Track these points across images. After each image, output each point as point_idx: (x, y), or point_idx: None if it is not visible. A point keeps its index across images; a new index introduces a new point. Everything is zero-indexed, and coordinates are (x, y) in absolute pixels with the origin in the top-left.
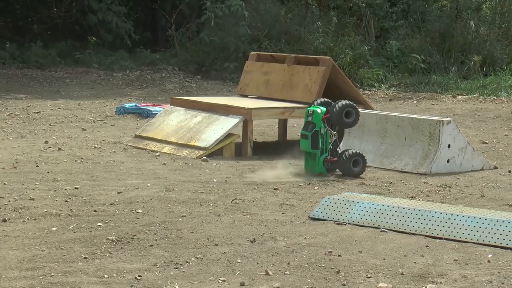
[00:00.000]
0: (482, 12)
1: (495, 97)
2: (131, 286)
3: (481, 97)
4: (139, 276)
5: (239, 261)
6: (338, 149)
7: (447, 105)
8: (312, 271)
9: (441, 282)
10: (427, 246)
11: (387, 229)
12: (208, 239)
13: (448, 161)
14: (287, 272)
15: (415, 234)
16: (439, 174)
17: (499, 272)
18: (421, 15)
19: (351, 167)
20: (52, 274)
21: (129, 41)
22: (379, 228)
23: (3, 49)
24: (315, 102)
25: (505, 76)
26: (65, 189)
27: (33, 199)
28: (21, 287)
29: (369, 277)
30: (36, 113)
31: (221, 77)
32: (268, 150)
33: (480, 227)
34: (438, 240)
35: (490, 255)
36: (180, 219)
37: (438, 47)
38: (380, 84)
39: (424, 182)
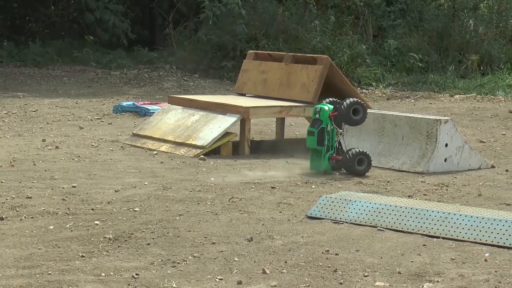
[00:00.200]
0: (480, 11)
1: (492, 96)
2: (128, 284)
3: (478, 96)
4: (136, 274)
5: (236, 259)
6: (344, 148)
7: (444, 104)
8: (309, 270)
9: (438, 281)
10: (424, 245)
11: (384, 228)
12: (205, 237)
13: (445, 160)
14: (284, 270)
15: (412, 233)
16: (436, 173)
17: (496, 271)
18: (419, 14)
19: (356, 166)
20: (49, 272)
21: (125, 40)
22: (376, 227)
23: (1, 47)
24: (323, 101)
25: (502, 75)
26: (63, 188)
27: (30, 198)
28: (18, 285)
29: (366, 276)
30: (34, 111)
31: (219, 76)
32: (265, 149)
33: (477, 226)
34: (435, 239)
35: (487, 254)
36: (177, 218)
37: (436, 46)
38: (377, 83)
39: (422, 181)
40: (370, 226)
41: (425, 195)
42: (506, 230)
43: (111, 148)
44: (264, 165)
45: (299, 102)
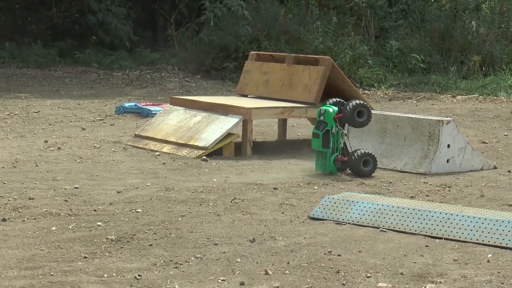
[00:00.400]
0: (482, 12)
1: (494, 97)
2: (131, 285)
3: (480, 97)
4: (138, 275)
5: (239, 260)
6: (349, 149)
7: (446, 105)
8: (311, 271)
9: (440, 282)
10: (426, 246)
11: (387, 229)
12: (207, 238)
13: (447, 161)
14: (286, 271)
15: (414, 234)
16: (438, 174)
17: (498, 272)
18: (421, 15)
19: (362, 167)
20: (52, 273)
21: (128, 42)
22: (378, 228)
23: (3, 49)
24: (328, 102)
25: (504, 76)
26: (65, 189)
27: (32, 199)
28: (21, 286)
29: (368, 277)
30: (36, 112)
31: (221, 77)
32: (267, 150)
33: (479, 227)
34: (437, 240)
35: (489, 255)
36: (179, 219)
37: (438, 47)
38: (379, 84)
39: (424, 182)
40: (373, 227)
41: (427, 196)
42: (509, 231)
43: (113, 149)
44: (266, 166)
45: (301, 103)
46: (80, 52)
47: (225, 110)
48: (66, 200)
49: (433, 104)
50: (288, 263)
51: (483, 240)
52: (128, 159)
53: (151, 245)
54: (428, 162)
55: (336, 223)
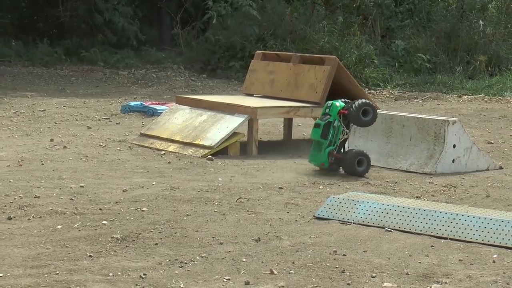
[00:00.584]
0: (488, 12)
1: (500, 97)
2: (136, 284)
3: (486, 97)
4: (144, 274)
5: (244, 260)
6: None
7: (452, 105)
8: (317, 271)
9: (446, 282)
10: (432, 246)
11: (392, 229)
12: (213, 238)
13: (453, 161)
14: (292, 271)
15: (420, 234)
16: (444, 174)
17: (504, 273)
18: (427, 15)
19: (356, 166)
20: (57, 272)
21: (135, 41)
22: (384, 228)
23: (9, 47)
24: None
25: (510, 76)
26: (70, 187)
27: (38, 197)
28: (26, 285)
29: (374, 277)
30: (42, 111)
31: (227, 76)
32: (273, 149)
33: (485, 227)
34: (443, 240)
35: (495, 256)
36: (185, 218)
37: (444, 47)
38: (385, 84)
39: (429, 182)
40: (378, 227)
41: (433, 196)
42: None
43: (119, 148)
44: (272, 165)
45: (306, 103)
46: (86, 51)
47: (231, 109)
48: (72, 199)
49: (439, 104)
50: (293, 262)
51: (488, 241)
52: (133, 158)
53: (156, 244)
54: (434, 162)
55: (341, 223)
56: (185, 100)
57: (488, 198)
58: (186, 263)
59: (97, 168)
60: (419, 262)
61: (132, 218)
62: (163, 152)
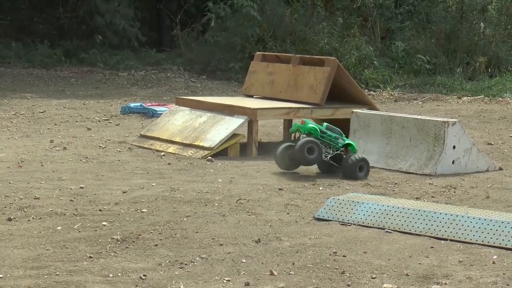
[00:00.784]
0: (488, 13)
1: (500, 99)
2: (136, 285)
3: (486, 98)
4: (144, 275)
5: (244, 261)
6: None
7: (452, 106)
8: (317, 272)
9: (445, 283)
10: (432, 247)
11: (392, 230)
12: (213, 239)
13: (453, 162)
14: (291, 272)
15: (420, 235)
16: (444, 175)
17: (504, 274)
18: (426, 16)
19: (357, 172)
20: (57, 273)
21: (136, 43)
22: (384, 229)
23: (9, 49)
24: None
25: (510, 78)
26: (70, 189)
27: (38, 198)
28: (26, 286)
29: (373, 278)
30: (42, 112)
31: (226, 77)
32: (273, 151)
33: (485, 228)
34: (443, 241)
35: (495, 257)
36: (185, 219)
37: (443, 48)
38: (385, 85)
39: (429, 183)
40: (378, 228)
41: (432, 197)
42: None
43: (118, 149)
44: (272, 166)
45: (306, 104)
46: (86, 52)
47: (231, 110)
48: (72, 200)
49: (438, 105)
50: (293, 263)
51: (488, 242)
52: (133, 159)
53: (156, 245)
54: (434, 163)
55: (341, 224)
56: (185, 102)
57: (488, 199)
58: (186, 264)
59: (97, 169)
60: (419, 263)
61: (132, 219)
62: (163, 153)
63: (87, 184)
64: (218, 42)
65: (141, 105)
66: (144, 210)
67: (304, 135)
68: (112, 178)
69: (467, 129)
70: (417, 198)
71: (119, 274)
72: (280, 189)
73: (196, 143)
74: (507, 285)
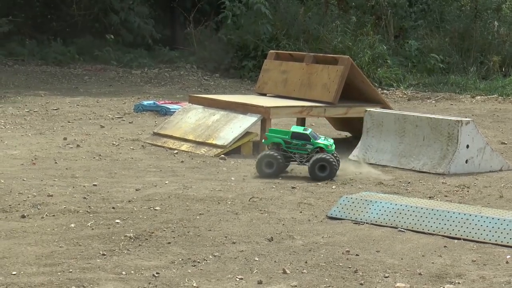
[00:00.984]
0: (502, 12)
1: None
2: (149, 283)
3: (500, 97)
4: (156, 273)
5: (257, 259)
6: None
7: (465, 105)
8: (329, 270)
9: (459, 283)
10: (445, 246)
11: (405, 229)
12: (225, 237)
13: (466, 161)
14: (304, 271)
15: (433, 234)
16: (457, 174)
17: None
18: (440, 15)
19: (316, 172)
20: (70, 270)
21: (150, 40)
22: (397, 228)
23: (23, 46)
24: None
25: None
26: (84, 186)
27: (51, 196)
28: (40, 283)
29: (386, 277)
30: (55, 109)
31: (239, 76)
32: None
33: (498, 228)
34: (456, 241)
35: (508, 256)
36: (197, 217)
37: (457, 47)
38: (398, 84)
39: (442, 182)
40: (391, 227)
41: (446, 196)
42: None
43: (132, 147)
44: None
45: (320, 103)
46: (99, 50)
47: (244, 108)
48: (85, 198)
49: (452, 104)
50: (306, 262)
51: (502, 241)
52: (146, 157)
53: (169, 243)
54: (447, 162)
55: (354, 223)
56: (198, 100)
57: (502, 199)
58: (199, 262)
59: (110, 167)
60: (432, 263)
61: (145, 217)
62: (176, 151)
63: (100, 181)
64: (232, 40)
65: (154, 103)
66: (157, 208)
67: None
68: (125, 175)
69: (481, 129)
70: (430, 197)
71: (132, 271)
72: (293, 187)
73: (209, 141)
74: None
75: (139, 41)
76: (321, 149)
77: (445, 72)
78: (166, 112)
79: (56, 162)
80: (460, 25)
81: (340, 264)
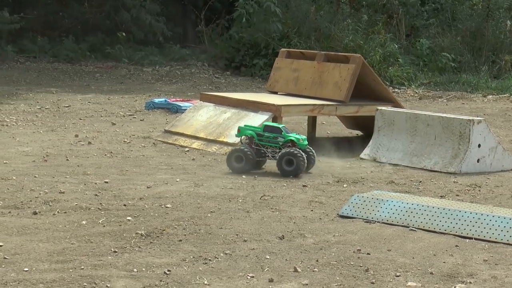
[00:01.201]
0: None
1: None
2: (160, 280)
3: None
4: (168, 270)
5: (268, 257)
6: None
7: (477, 104)
8: (340, 269)
9: (470, 282)
10: (456, 245)
11: (416, 228)
12: (237, 235)
13: (478, 160)
14: (315, 269)
15: (444, 234)
16: (468, 173)
17: None
18: (452, 14)
19: (283, 166)
20: (82, 267)
21: (161, 38)
22: (408, 227)
23: (34, 43)
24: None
25: None
26: (95, 183)
27: (63, 192)
28: (51, 279)
29: (398, 276)
30: (67, 107)
31: (251, 74)
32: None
33: (510, 227)
34: (467, 240)
35: None
36: (209, 215)
37: (469, 46)
38: (410, 83)
39: (454, 182)
40: (402, 226)
41: (457, 195)
42: None
43: (143, 145)
44: None
45: (331, 101)
46: (111, 48)
47: (255, 106)
48: (96, 195)
49: (463, 103)
50: (317, 260)
51: None
52: (157, 154)
53: (180, 240)
54: (459, 161)
55: (365, 222)
56: (209, 97)
57: None
58: (210, 259)
59: (122, 164)
60: (444, 262)
61: (156, 214)
62: (187, 149)
63: (112, 178)
64: (243, 38)
65: (165, 100)
66: (168, 206)
67: (247, 140)
68: (136, 173)
69: (492, 128)
70: (441, 196)
71: (143, 269)
72: (304, 186)
73: (220, 139)
74: None
75: (150, 39)
76: (292, 143)
77: (456, 71)
78: (177, 110)
79: (67, 159)
80: (472, 24)
81: (351, 263)
